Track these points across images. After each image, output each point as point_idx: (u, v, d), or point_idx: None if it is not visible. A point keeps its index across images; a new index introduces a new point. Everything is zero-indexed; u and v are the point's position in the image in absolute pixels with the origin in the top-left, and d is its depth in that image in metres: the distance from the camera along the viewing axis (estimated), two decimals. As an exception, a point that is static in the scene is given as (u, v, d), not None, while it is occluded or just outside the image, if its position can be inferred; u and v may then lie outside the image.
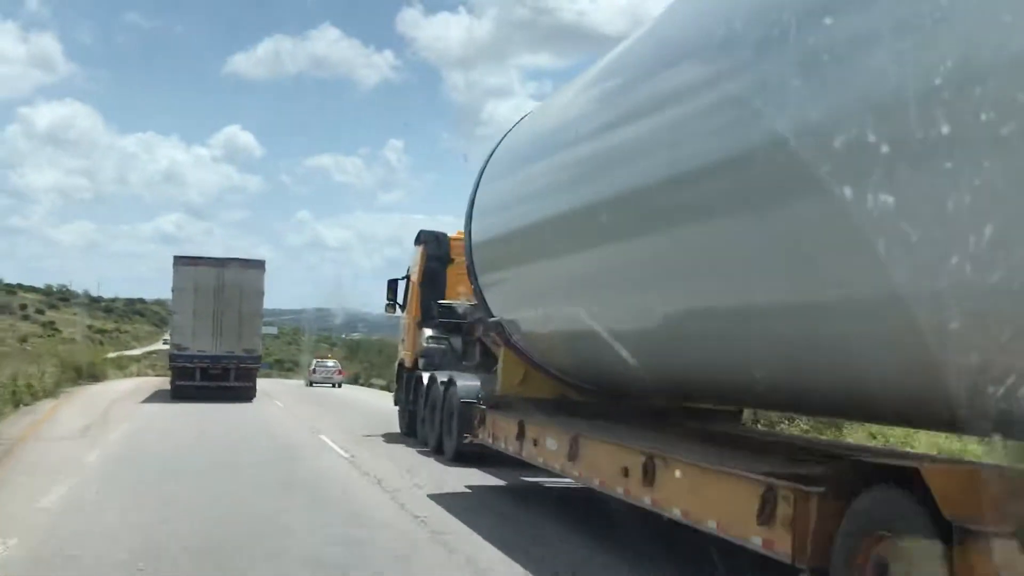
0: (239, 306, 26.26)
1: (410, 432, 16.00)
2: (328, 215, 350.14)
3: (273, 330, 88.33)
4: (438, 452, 13.29)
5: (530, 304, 9.61)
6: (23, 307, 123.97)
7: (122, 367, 54.68)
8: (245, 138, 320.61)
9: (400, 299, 17.37)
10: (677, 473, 5.99)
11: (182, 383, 25.78)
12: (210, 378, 25.81)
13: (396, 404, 17.01)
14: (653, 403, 9.44)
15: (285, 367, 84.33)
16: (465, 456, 12.22)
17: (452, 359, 14.76)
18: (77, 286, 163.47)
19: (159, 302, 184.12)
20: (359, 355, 60.89)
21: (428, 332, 15.19)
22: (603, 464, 7.24)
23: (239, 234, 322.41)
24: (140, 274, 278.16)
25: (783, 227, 4.92)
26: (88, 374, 35.81)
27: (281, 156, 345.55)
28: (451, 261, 15.90)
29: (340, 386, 44.86)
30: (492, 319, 10.14)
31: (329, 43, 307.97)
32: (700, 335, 6.33)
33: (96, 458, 12.02)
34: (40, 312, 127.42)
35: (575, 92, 8.96)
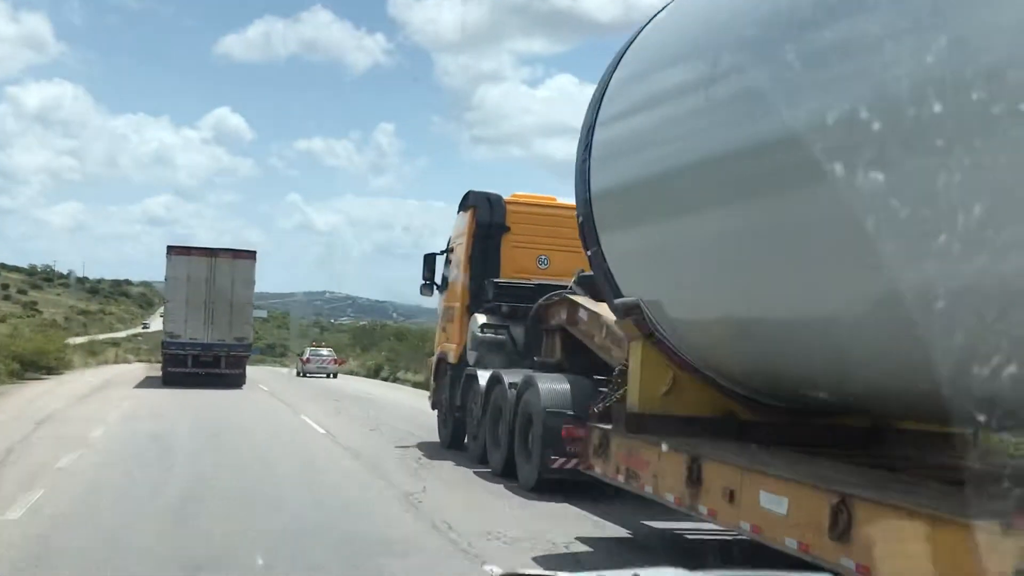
0: (230, 295, 26.77)
1: (454, 444, 12.86)
2: (318, 199, 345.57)
3: (263, 313, 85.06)
4: (505, 476, 10.17)
5: (688, 280, 6.46)
6: (5, 287, 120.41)
7: (95, 353, 48.69)
8: (235, 120, 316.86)
9: (439, 279, 14.15)
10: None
11: (174, 369, 26.46)
12: (201, 365, 26.45)
13: (435, 408, 13.81)
14: (855, 423, 6.51)
15: (277, 352, 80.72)
16: (547, 485, 9.13)
17: (513, 355, 11.61)
18: (63, 267, 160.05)
19: (145, 283, 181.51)
20: (377, 343, 55.57)
21: (482, 319, 11.99)
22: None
23: (228, 216, 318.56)
24: (128, 255, 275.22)
25: None
26: (42, 366, 29.74)
27: (271, 139, 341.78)
28: (507, 230, 12.74)
29: (335, 376, 41.66)
30: (624, 300, 6.96)
31: (320, 26, 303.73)
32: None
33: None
34: (23, 292, 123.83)
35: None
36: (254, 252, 28.54)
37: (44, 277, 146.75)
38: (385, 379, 39.16)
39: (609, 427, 7.22)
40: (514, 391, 10.03)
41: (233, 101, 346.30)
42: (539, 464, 9.14)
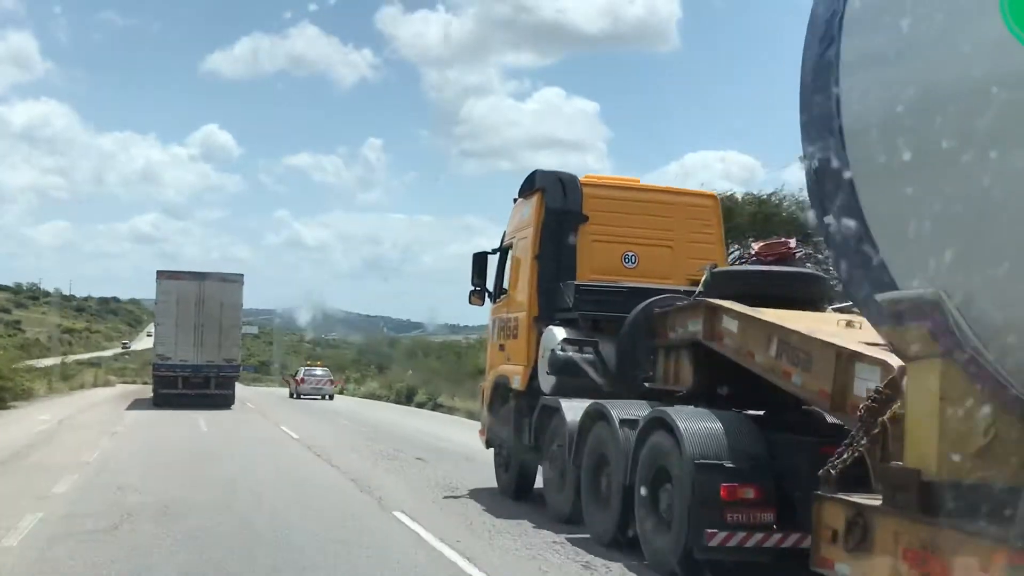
0: (219, 318, 27.41)
1: (520, 494, 10.05)
2: (307, 214, 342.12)
3: (254, 329, 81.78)
4: (613, 547, 7.36)
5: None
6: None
7: (66, 377, 40.64)
8: (223, 137, 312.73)
9: (491, 284, 11.33)
10: None
11: (165, 391, 27.05)
12: (191, 386, 27.04)
13: (491, 447, 10.95)
14: None
15: (271, 371, 76.79)
16: (697, 568, 6.34)
17: (600, 380, 8.80)
18: (49, 284, 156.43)
19: (134, 301, 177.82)
20: (399, 360, 50.02)
21: (561, 333, 9.17)
22: None
23: (217, 233, 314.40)
24: (116, 274, 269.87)
25: None
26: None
27: (259, 155, 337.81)
28: (584, 219, 9.98)
29: (332, 398, 38.69)
30: (906, 294, 4.16)
31: (308, 41, 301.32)
32: None
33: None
34: (6, 311, 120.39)
35: None
36: (241, 275, 29.22)
37: (30, 295, 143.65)
38: (422, 405, 32.61)
39: (871, 501, 4.42)
40: (631, 432, 7.22)
41: (221, 118, 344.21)
42: (685, 538, 6.32)
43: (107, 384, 47.13)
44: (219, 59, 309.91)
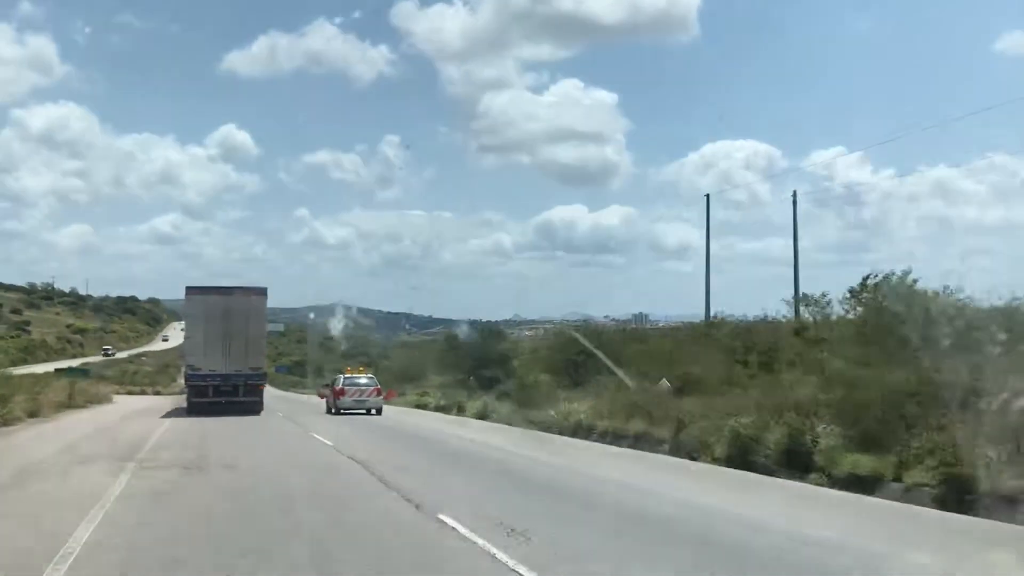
0: (245, 329, 29.19)
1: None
2: (326, 213, 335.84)
3: (280, 327, 75.36)
4: None
5: None
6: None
7: (34, 392, 27.32)
8: (242, 137, 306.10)
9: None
10: None
11: (197, 400, 28.72)
12: (221, 394, 28.76)
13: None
14: None
15: (305, 372, 68.93)
16: None
17: None
18: (64, 284, 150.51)
19: (152, 300, 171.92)
20: (487, 363, 40.78)
21: None
22: None
23: (237, 233, 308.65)
24: (137, 275, 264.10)
25: None
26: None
27: (278, 154, 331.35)
28: None
29: (379, 412, 31.73)
30: None
31: (325, 39, 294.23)
32: None
33: None
34: (16, 312, 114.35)
35: None
36: (265, 288, 31.30)
37: (44, 296, 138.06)
38: (636, 439, 17.80)
39: None
40: None
41: (239, 117, 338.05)
42: None
43: (108, 400, 39.35)
44: (236, 59, 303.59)
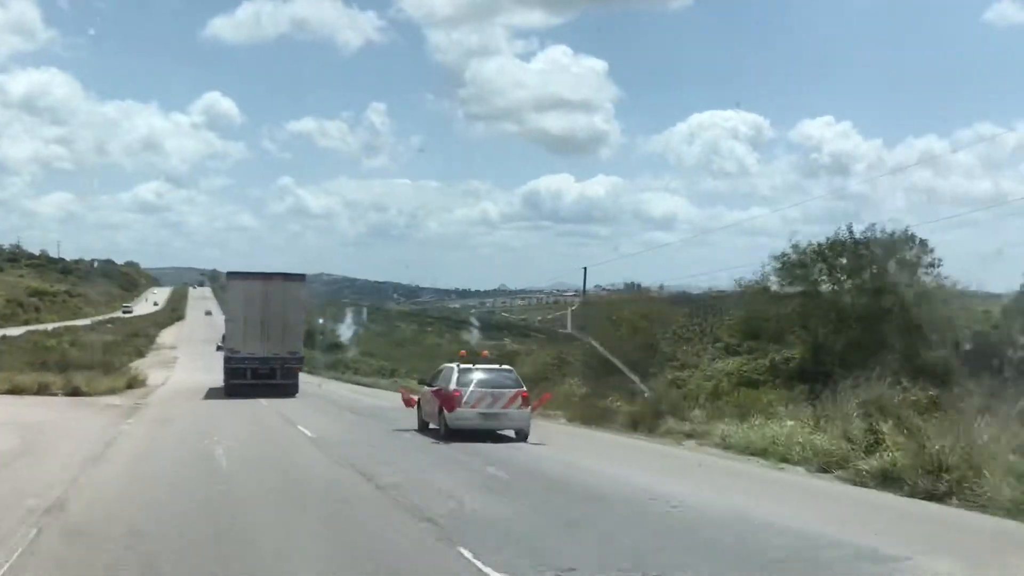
0: (283, 314, 30.00)
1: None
2: (311, 181, 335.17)
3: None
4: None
5: None
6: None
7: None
8: (226, 104, 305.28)
9: None
10: None
11: (235, 382, 29.79)
12: (259, 377, 29.80)
13: None
14: None
15: (340, 356, 59.11)
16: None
17: None
18: (33, 246, 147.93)
19: (131, 263, 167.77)
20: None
21: None
22: None
23: (221, 202, 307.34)
24: (120, 244, 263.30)
25: None
26: None
27: (263, 122, 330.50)
28: None
29: (526, 436, 17.60)
30: None
31: (311, 4, 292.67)
32: None
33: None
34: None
35: None
36: (303, 275, 32.79)
37: (9, 257, 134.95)
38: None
39: None
40: None
41: (223, 84, 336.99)
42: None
43: (48, 390, 27.28)
44: (221, 24, 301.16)
